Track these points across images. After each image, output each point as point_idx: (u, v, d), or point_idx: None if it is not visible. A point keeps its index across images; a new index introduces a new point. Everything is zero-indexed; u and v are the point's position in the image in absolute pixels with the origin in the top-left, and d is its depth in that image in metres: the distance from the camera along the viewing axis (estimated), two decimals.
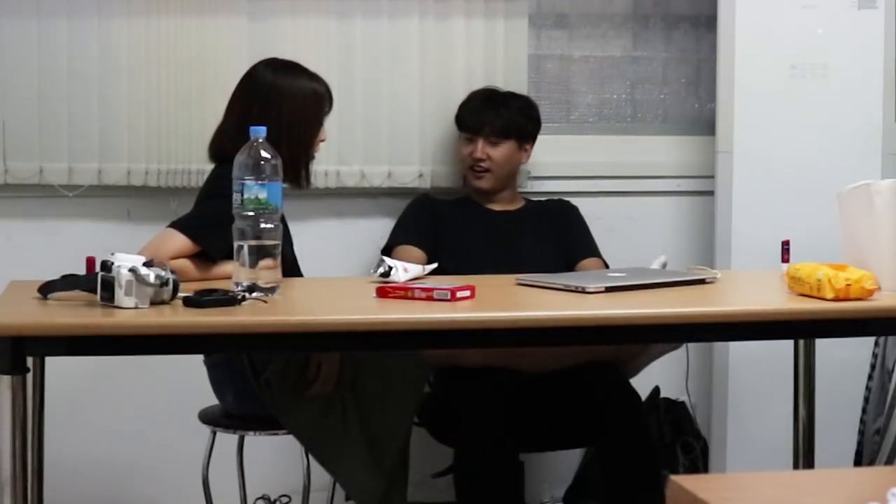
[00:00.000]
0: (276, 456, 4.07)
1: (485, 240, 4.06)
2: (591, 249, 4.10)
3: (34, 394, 3.23)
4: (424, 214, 4.09)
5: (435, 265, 3.42)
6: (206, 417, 3.62)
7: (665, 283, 3.32)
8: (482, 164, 4.05)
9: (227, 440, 3.69)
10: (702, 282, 3.35)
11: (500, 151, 4.06)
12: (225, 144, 3.40)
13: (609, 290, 3.17)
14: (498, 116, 4.05)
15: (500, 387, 3.70)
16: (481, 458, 3.62)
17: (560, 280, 3.26)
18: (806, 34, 4.17)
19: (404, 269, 3.23)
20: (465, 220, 4.09)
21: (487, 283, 3.28)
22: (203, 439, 3.63)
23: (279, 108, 3.45)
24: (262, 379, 3.44)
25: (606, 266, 4.03)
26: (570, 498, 4.12)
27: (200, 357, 3.57)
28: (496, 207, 4.13)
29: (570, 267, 4.03)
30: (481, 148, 4.04)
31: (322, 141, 3.55)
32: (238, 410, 3.57)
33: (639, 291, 3.21)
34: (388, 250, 3.99)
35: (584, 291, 3.15)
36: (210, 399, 3.66)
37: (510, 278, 3.34)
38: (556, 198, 4.24)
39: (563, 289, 3.20)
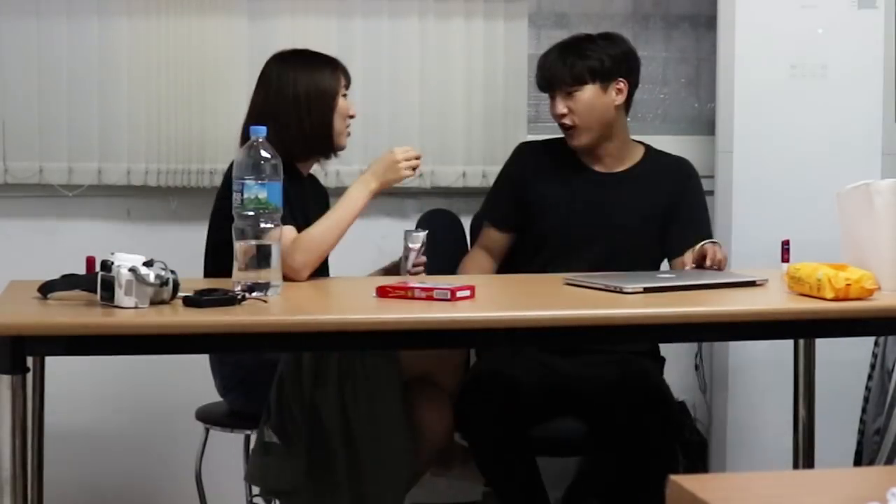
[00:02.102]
0: None
1: (576, 207, 3.85)
2: (704, 235, 3.74)
3: (34, 394, 3.23)
4: (511, 183, 3.90)
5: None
6: (202, 415, 3.64)
7: (712, 284, 3.32)
8: (565, 121, 3.79)
9: (226, 438, 3.69)
10: (752, 283, 3.34)
11: (580, 101, 3.76)
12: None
13: (647, 290, 3.16)
14: (567, 66, 3.78)
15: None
16: (490, 435, 3.59)
17: (602, 280, 3.25)
18: (806, 34, 4.17)
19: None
20: (559, 183, 3.85)
21: (532, 282, 3.35)
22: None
23: (294, 92, 3.49)
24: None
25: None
26: (570, 498, 4.12)
27: (199, 356, 3.57)
28: (599, 168, 3.87)
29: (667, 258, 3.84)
30: (560, 103, 3.79)
31: (351, 116, 3.57)
32: (224, 398, 3.60)
33: (680, 293, 3.20)
34: (478, 219, 3.99)
35: (621, 292, 3.15)
36: (207, 398, 3.66)
37: (558, 278, 3.35)
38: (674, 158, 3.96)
39: (602, 289, 3.19)
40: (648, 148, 3.93)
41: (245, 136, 3.44)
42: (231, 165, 3.46)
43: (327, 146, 3.55)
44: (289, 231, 3.33)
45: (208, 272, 3.49)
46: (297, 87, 3.50)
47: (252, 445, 3.47)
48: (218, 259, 3.38)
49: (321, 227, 3.36)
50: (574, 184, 3.85)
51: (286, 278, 3.18)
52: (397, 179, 3.46)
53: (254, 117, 3.47)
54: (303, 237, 3.33)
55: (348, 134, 3.58)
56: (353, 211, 3.39)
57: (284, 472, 3.36)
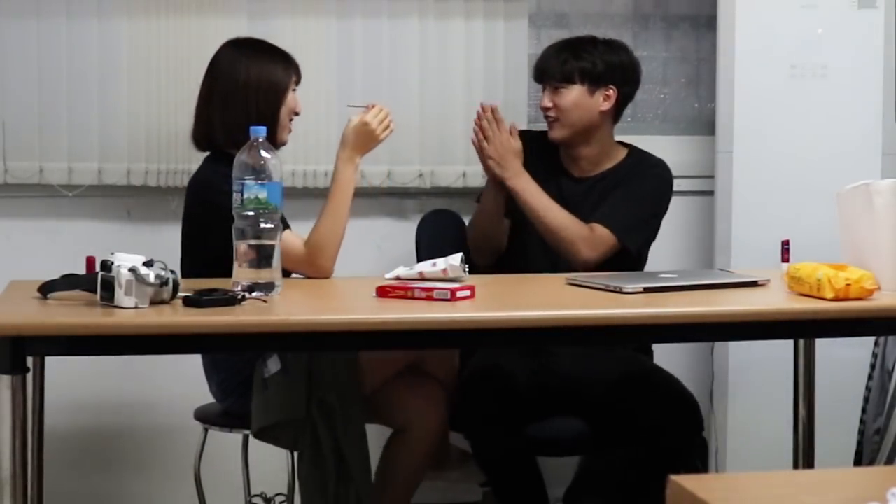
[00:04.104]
0: (273, 454, 4.06)
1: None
2: (605, 214, 3.76)
3: (34, 394, 3.23)
4: None
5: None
6: (200, 415, 3.64)
7: (713, 284, 3.32)
8: (549, 114, 3.84)
9: (225, 438, 3.69)
10: (754, 284, 3.34)
11: (565, 98, 3.80)
12: (198, 133, 3.52)
13: (647, 290, 3.16)
14: (560, 63, 3.83)
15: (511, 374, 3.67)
16: (489, 435, 3.59)
17: (602, 281, 3.25)
18: (806, 34, 4.17)
19: (432, 265, 3.23)
20: (539, 180, 3.82)
21: (532, 282, 3.35)
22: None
23: (245, 84, 3.48)
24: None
25: (621, 242, 3.73)
26: (570, 498, 4.12)
27: (198, 356, 3.58)
28: (575, 172, 3.89)
29: None
30: (546, 97, 3.84)
31: (296, 113, 3.56)
32: (222, 403, 3.60)
33: (680, 293, 3.19)
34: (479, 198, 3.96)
35: (621, 292, 3.15)
36: (206, 398, 3.66)
37: (558, 278, 3.36)
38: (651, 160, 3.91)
39: (602, 289, 3.19)
40: (632, 150, 3.93)
41: (200, 128, 3.46)
42: (200, 167, 3.48)
43: (269, 139, 3.54)
44: (291, 237, 3.35)
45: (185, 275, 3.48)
46: (249, 75, 3.48)
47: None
48: (196, 260, 3.40)
49: (328, 222, 3.40)
50: (551, 186, 3.85)
51: (310, 278, 3.34)
52: (377, 144, 3.52)
53: (202, 102, 3.50)
54: (316, 239, 3.38)
55: (290, 130, 3.56)
56: (350, 193, 3.45)
57: (285, 403, 3.37)
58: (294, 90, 3.55)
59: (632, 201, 3.81)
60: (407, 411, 3.55)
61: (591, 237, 3.71)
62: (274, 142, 3.51)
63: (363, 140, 3.48)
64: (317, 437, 3.38)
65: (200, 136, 3.54)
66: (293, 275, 3.41)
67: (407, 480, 3.61)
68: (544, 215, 3.73)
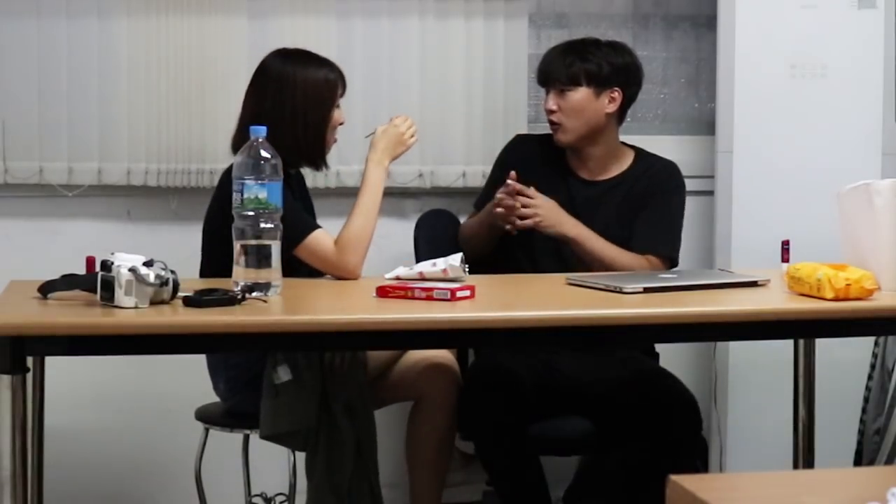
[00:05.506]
0: (273, 454, 4.06)
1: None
2: (650, 242, 3.78)
3: (34, 394, 3.23)
4: (502, 172, 3.83)
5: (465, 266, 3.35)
6: (201, 415, 3.64)
7: (712, 284, 3.32)
8: (553, 118, 3.82)
9: (226, 438, 3.69)
10: (754, 284, 3.34)
11: (570, 100, 3.78)
12: (239, 139, 3.43)
13: (647, 290, 3.16)
14: (565, 65, 3.80)
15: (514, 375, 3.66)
16: (492, 435, 3.59)
17: (602, 280, 3.26)
18: (806, 34, 4.17)
19: (432, 265, 3.23)
20: (545, 184, 3.79)
21: (532, 282, 3.36)
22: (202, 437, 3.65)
23: (292, 97, 3.45)
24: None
25: (671, 262, 3.78)
26: (570, 498, 4.12)
27: (199, 356, 3.57)
28: (584, 174, 3.87)
29: None
30: (551, 100, 3.82)
31: (340, 124, 3.55)
32: (228, 401, 3.59)
33: (680, 293, 3.20)
34: (478, 205, 3.95)
35: (621, 292, 3.15)
36: (207, 398, 3.66)
37: (559, 278, 3.36)
38: (666, 162, 3.92)
39: (602, 289, 3.19)
40: (639, 153, 3.92)
41: (238, 140, 3.44)
42: (227, 170, 3.45)
43: (319, 159, 3.54)
44: (323, 235, 3.35)
45: (205, 274, 3.48)
46: (296, 97, 3.45)
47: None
48: (215, 262, 3.39)
49: (359, 222, 3.42)
50: (558, 188, 3.84)
51: (340, 279, 3.34)
52: (405, 150, 3.57)
53: (250, 115, 3.44)
54: (346, 238, 3.38)
55: (335, 140, 3.56)
56: (380, 195, 3.48)
57: (296, 412, 3.37)
58: (338, 105, 3.53)
59: (667, 221, 3.84)
60: (419, 382, 3.58)
61: (651, 270, 3.71)
62: (323, 159, 3.53)
63: (393, 143, 3.51)
64: (333, 438, 3.39)
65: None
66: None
67: (441, 447, 3.62)
68: (607, 259, 3.70)
